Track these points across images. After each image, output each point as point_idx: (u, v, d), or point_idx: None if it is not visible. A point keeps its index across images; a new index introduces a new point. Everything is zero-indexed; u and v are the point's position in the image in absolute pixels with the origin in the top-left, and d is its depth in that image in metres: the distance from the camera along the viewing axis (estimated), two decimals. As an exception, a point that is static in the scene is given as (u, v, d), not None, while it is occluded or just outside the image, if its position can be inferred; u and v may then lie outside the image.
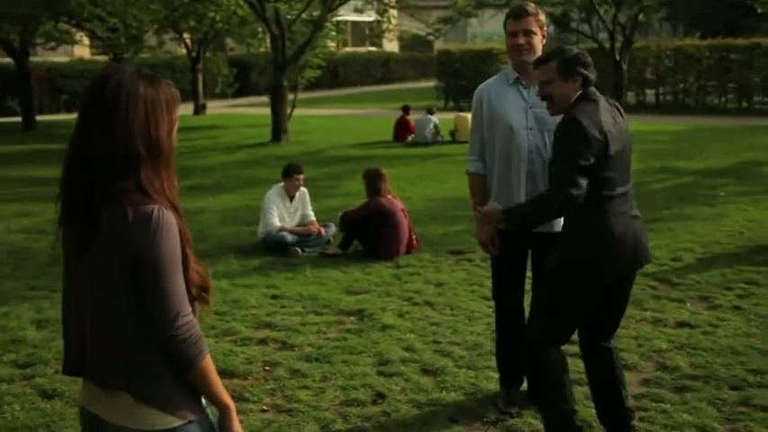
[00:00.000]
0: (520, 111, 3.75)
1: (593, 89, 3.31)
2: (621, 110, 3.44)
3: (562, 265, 3.36)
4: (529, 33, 3.71)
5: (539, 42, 3.74)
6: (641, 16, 16.19)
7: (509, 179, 3.76)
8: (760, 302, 5.54)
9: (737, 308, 5.45)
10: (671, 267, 6.51)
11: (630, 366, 4.48)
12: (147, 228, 1.84)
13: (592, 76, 3.31)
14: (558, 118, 3.79)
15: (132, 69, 1.92)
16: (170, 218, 1.87)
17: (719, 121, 18.21)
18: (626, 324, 5.18)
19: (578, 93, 3.28)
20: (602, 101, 3.31)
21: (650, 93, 22.15)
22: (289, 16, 16.02)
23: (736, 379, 4.26)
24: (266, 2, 15.34)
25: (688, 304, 5.57)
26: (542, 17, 3.74)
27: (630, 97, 20.86)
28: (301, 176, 7.57)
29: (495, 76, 3.97)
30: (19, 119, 20.25)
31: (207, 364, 1.93)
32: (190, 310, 1.91)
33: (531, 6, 3.76)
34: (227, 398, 2.00)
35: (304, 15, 16.70)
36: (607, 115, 3.26)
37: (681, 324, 5.17)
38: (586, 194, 3.17)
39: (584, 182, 3.14)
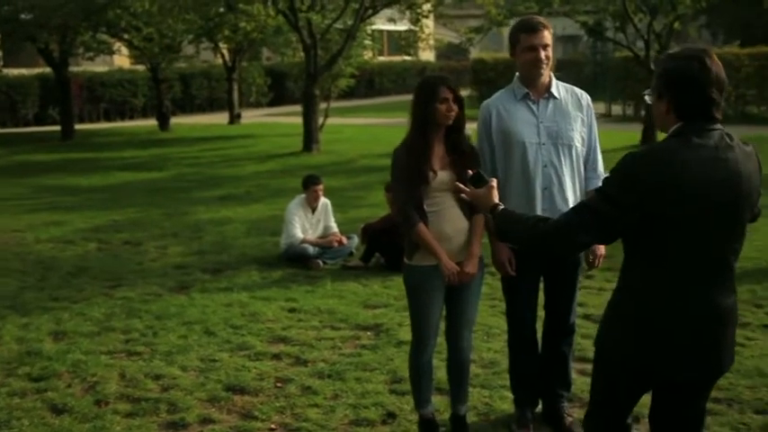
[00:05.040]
0: (531, 126, 3.68)
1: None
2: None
3: (598, 338, 2.65)
4: (546, 47, 3.65)
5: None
6: (677, 24, 15.85)
7: (526, 194, 3.69)
8: (791, 322, 5.35)
9: (767, 326, 5.27)
10: (699, 284, 6.32)
11: (650, 389, 4.34)
12: None
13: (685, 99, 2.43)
14: (572, 131, 3.69)
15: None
16: None
17: (759, 131, 17.76)
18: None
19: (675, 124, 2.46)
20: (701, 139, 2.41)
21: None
22: (322, 26, 16.07)
23: (761, 402, 4.12)
24: (299, 11, 15.42)
25: (715, 323, 5.40)
26: (551, 30, 3.68)
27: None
28: (319, 187, 7.52)
29: (500, 91, 3.90)
30: (59, 128, 20.64)
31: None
32: None
33: (543, 19, 3.70)
34: (439, 252, 3.50)
35: (338, 25, 16.74)
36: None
37: (706, 344, 5.00)
38: (632, 253, 2.48)
39: (597, 231, 2.45)
